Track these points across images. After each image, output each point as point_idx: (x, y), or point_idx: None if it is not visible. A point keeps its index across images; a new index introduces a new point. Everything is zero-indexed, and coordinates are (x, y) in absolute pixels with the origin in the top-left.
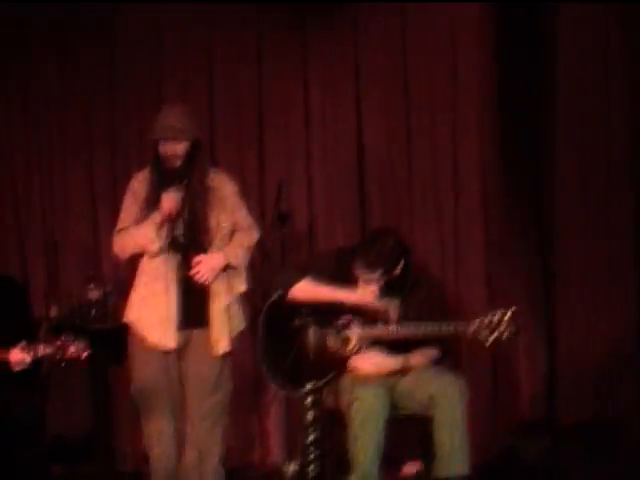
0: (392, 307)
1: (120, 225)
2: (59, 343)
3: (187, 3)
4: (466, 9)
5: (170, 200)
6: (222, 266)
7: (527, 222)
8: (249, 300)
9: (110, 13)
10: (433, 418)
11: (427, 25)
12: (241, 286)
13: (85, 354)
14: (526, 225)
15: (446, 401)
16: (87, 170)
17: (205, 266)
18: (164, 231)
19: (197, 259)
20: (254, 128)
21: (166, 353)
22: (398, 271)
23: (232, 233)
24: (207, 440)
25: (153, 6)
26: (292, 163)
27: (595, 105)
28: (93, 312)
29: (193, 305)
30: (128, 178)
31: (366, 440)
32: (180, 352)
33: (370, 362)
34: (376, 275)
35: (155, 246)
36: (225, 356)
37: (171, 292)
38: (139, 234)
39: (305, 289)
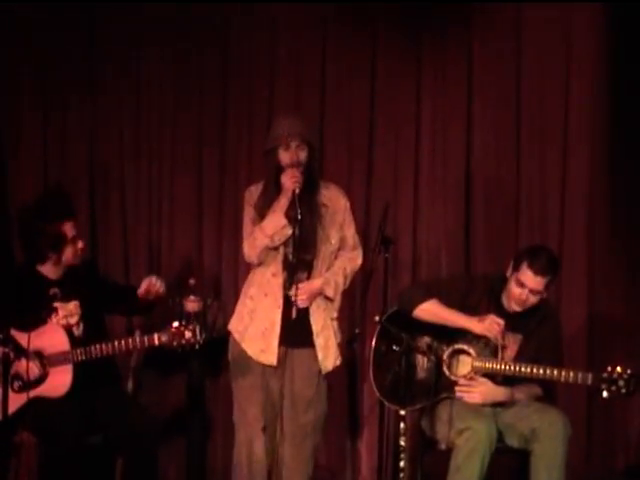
0: (513, 342)
1: (247, 231)
2: (174, 330)
3: (301, 20)
4: (580, 34)
5: (291, 177)
6: (319, 293)
7: (632, 254)
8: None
9: (224, 28)
10: (532, 451)
11: (541, 49)
12: (334, 312)
13: (201, 338)
14: (631, 256)
15: (549, 436)
16: (196, 181)
17: (304, 292)
18: (295, 212)
19: (298, 285)
20: (364, 146)
21: (265, 367)
22: (545, 294)
23: (338, 249)
24: (295, 458)
25: (267, 24)
26: (399, 185)
27: None
28: (190, 319)
29: (295, 324)
30: (235, 192)
31: (470, 471)
32: (278, 369)
33: (479, 390)
34: (544, 282)
35: (286, 232)
36: (323, 376)
37: (277, 309)
38: (268, 225)
39: (431, 310)
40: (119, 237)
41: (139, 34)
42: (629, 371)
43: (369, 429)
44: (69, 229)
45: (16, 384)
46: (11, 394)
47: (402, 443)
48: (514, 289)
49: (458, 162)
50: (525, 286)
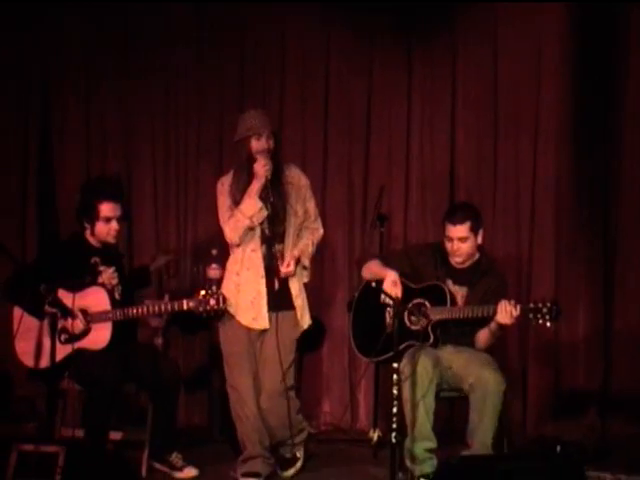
0: (461, 295)
1: (225, 217)
2: (201, 297)
3: (308, 31)
4: (549, 46)
5: (264, 166)
6: (298, 260)
7: (593, 231)
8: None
9: (241, 28)
10: (470, 400)
11: (514, 58)
12: (305, 278)
13: (225, 305)
14: (592, 234)
15: (480, 389)
16: (216, 172)
17: (293, 264)
18: (267, 194)
19: (288, 260)
20: (362, 138)
21: (250, 332)
22: (480, 240)
23: (303, 221)
24: (281, 406)
25: (279, 31)
26: (393, 172)
27: None
28: (214, 288)
29: (278, 290)
30: None
31: (417, 402)
32: (263, 332)
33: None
34: (464, 228)
35: (263, 213)
36: (299, 336)
37: (260, 279)
38: (246, 208)
39: (369, 267)
40: (152, 218)
41: (170, 47)
42: (550, 302)
43: (366, 380)
44: (105, 209)
45: (63, 337)
46: (58, 345)
47: (395, 392)
48: (447, 245)
49: (443, 152)
50: (451, 238)
